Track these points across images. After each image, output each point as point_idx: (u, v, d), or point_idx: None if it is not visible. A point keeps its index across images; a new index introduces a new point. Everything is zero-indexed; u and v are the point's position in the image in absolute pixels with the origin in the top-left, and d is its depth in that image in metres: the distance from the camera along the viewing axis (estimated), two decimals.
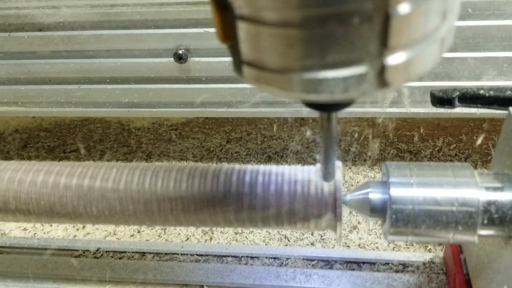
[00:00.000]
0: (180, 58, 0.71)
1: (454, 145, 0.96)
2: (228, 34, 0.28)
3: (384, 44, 0.24)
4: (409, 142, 0.98)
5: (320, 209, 0.44)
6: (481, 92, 0.51)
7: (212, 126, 1.07)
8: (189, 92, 0.76)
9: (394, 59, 0.25)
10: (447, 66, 0.68)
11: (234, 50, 0.29)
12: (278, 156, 0.97)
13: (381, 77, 0.26)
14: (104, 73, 0.76)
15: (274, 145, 1.00)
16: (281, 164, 0.94)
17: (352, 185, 0.89)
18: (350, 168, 0.93)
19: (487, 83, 0.68)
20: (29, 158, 1.04)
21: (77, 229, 0.85)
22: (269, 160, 0.96)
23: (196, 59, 0.73)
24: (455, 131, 1.00)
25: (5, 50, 0.76)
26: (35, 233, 0.85)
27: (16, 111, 0.84)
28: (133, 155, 1.01)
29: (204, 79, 0.75)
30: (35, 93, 0.81)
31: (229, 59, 0.73)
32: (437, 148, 0.95)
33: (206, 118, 1.10)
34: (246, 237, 0.79)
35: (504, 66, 0.66)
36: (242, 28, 0.26)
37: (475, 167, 0.91)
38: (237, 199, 0.45)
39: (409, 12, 0.24)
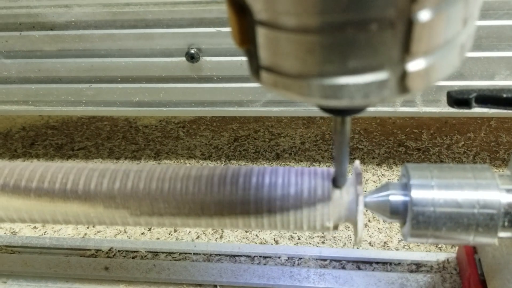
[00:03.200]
0: (192, 58, 0.71)
1: (462, 143, 0.96)
2: (246, 38, 0.28)
3: (406, 51, 0.24)
4: (417, 140, 0.98)
5: (340, 215, 0.44)
6: (498, 93, 0.51)
7: (220, 123, 1.07)
8: (200, 91, 0.76)
9: (415, 65, 0.25)
10: (460, 66, 0.68)
11: (251, 54, 0.28)
12: (287, 154, 0.97)
13: (402, 83, 0.26)
14: (115, 72, 0.76)
15: (282, 142, 1.00)
16: (290, 161, 0.94)
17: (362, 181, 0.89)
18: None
19: (500, 83, 0.68)
20: (37, 156, 1.04)
21: (88, 227, 0.85)
22: (277, 158, 0.96)
23: (208, 58, 0.72)
24: (463, 128, 1.00)
25: (16, 49, 0.76)
26: (45, 232, 0.86)
27: (26, 109, 0.84)
28: (141, 153, 1.01)
29: (215, 78, 0.75)
30: (45, 92, 0.80)
31: (240, 58, 0.73)
32: (445, 146, 0.96)
33: (213, 116, 1.10)
34: (256, 235, 0.79)
35: None
36: (261, 33, 0.26)
37: None
38: (256, 206, 0.44)
39: (432, 19, 0.24)
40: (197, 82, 0.76)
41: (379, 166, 0.93)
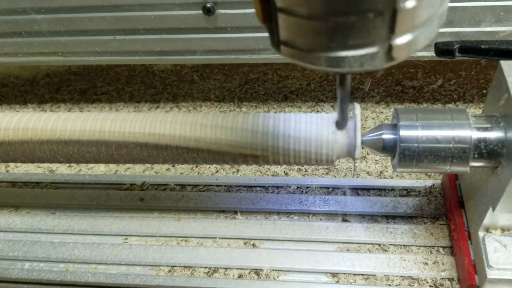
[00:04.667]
0: (208, 11, 0.78)
1: (454, 81, 1.04)
2: (268, 18, 0.36)
3: (392, 31, 0.33)
4: (413, 79, 1.06)
5: (342, 151, 0.55)
6: (478, 44, 0.59)
7: (231, 67, 1.15)
8: (216, 41, 0.84)
9: (399, 40, 0.34)
10: (450, 14, 0.75)
11: (272, 30, 0.37)
12: (294, 95, 1.06)
13: (389, 54, 0.34)
14: (138, 25, 0.84)
15: (289, 84, 1.09)
16: (297, 102, 1.03)
17: (361, 120, 0.99)
18: (359, 104, 1.02)
19: (486, 29, 0.76)
20: (63, 101, 1.14)
21: (118, 165, 0.96)
22: (285, 99, 1.05)
23: (223, 11, 0.80)
24: (455, 67, 1.08)
25: (46, 5, 0.83)
26: (80, 169, 0.97)
27: (56, 60, 0.92)
28: (160, 96, 1.10)
29: (229, 29, 0.82)
30: (73, 44, 0.88)
31: (252, 10, 0.80)
32: (438, 84, 1.04)
33: None
34: (268, 168, 0.90)
35: (501, 14, 0.73)
36: (281, 18, 0.34)
37: (472, 101, 1.00)
38: (273, 147, 0.55)
39: (413, 6, 0.32)
40: (213, 33, 0.83)
41: (378, 104, 1.02)
